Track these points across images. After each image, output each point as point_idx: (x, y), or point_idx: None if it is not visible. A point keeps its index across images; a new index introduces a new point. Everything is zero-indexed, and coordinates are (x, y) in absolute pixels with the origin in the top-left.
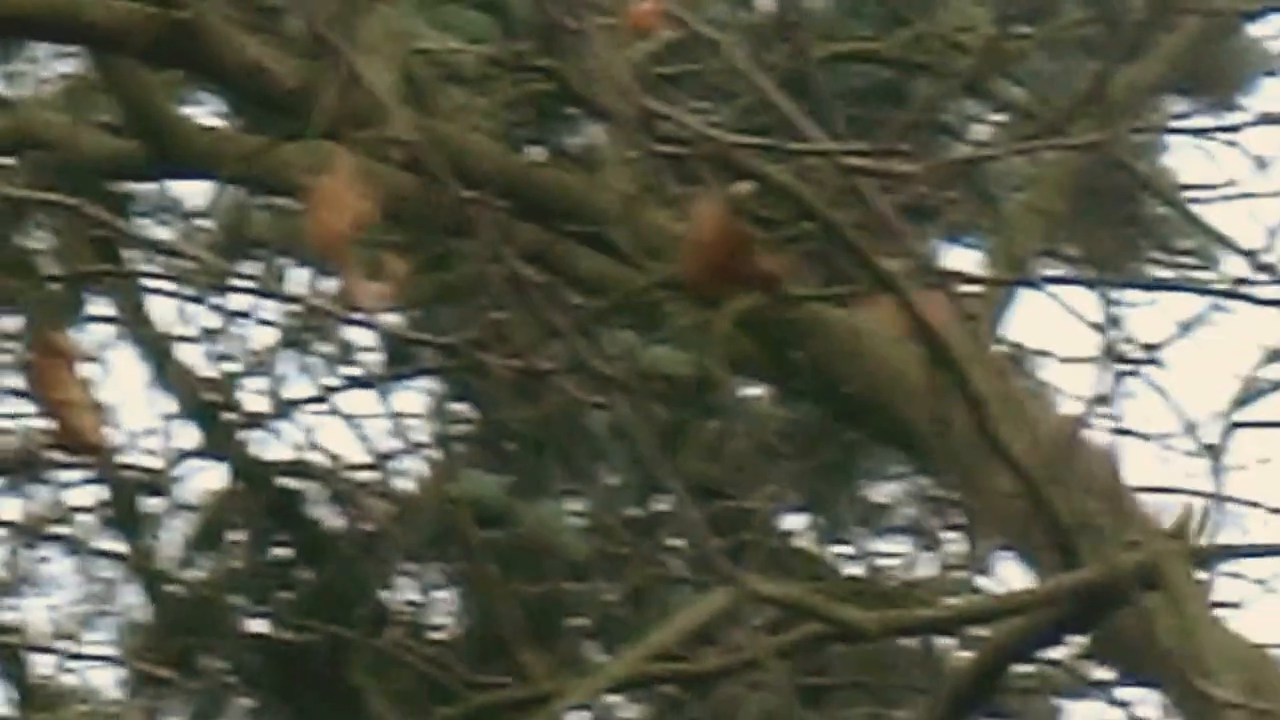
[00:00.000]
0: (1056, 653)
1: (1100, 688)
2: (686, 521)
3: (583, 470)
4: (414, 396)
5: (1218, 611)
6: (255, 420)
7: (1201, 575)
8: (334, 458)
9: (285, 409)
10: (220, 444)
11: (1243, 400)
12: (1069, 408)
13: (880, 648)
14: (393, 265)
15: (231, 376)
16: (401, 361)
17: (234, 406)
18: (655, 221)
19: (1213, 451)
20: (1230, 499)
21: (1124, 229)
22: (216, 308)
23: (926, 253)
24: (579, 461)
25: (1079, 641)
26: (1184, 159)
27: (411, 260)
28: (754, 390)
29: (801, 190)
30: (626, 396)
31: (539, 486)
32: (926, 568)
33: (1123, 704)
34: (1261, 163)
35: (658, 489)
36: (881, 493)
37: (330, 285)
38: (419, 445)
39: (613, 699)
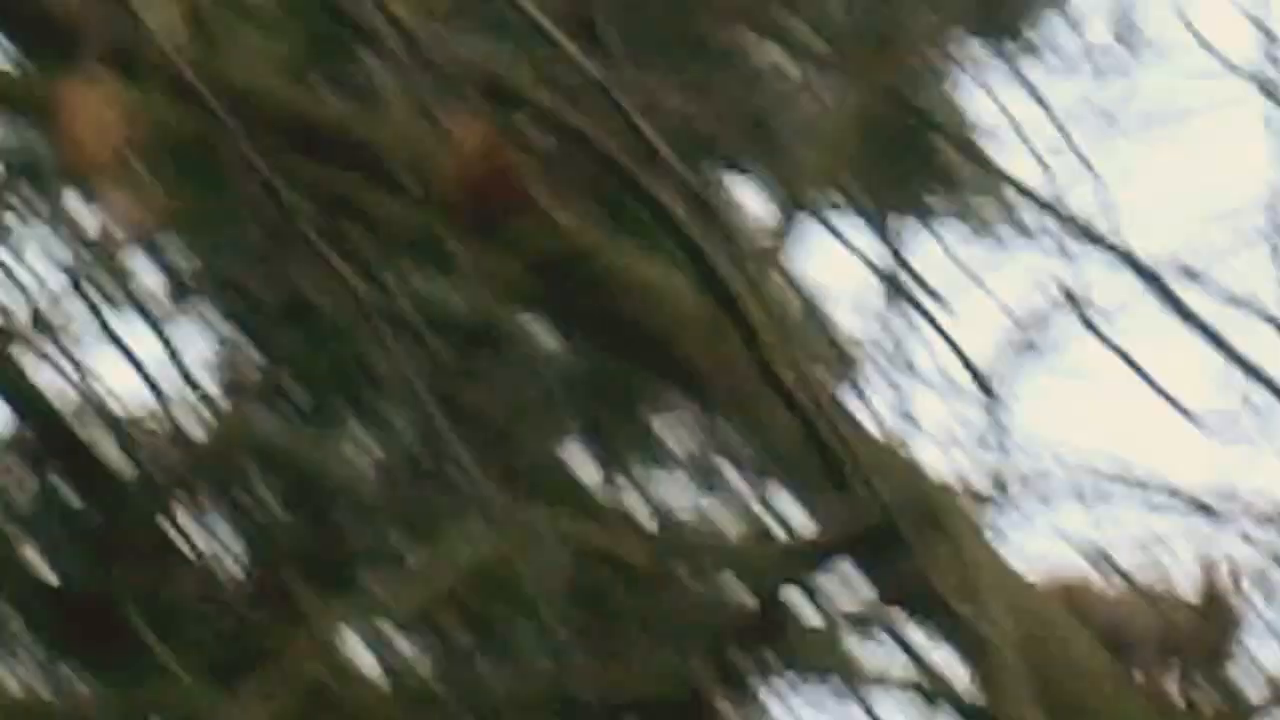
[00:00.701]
0: (848, 598)
1: (891, 632)
2: (459, 459)
3: (369, 410)
4: (201, 337)
5: (995, 548)
6: (39, 358)
7: (979, 513)
8: (119, 399)
9: (69, 347)
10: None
11: (1024, 338)
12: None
13: (666, 590)
14: (150, 189)
15: (13, 312)
16: (184, 299)
17: (15, 342)
18: (432, 154)
19: (992, 389)
20: (1010, 436)
21: (911, 168)
22: None
23: (699, 180)
24: (365, 401)
25: (867, 586)
26: (972, 98)
27: (187, 194)
28: (538, 328)
29: (572, 116)
30: (407, 336)
31: (325, 426)
32: (708, 504)
33: (909, 647)
34: (1045, 103)
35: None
36: (665, 431)
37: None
38: (206, 386)
39: (402, 647)
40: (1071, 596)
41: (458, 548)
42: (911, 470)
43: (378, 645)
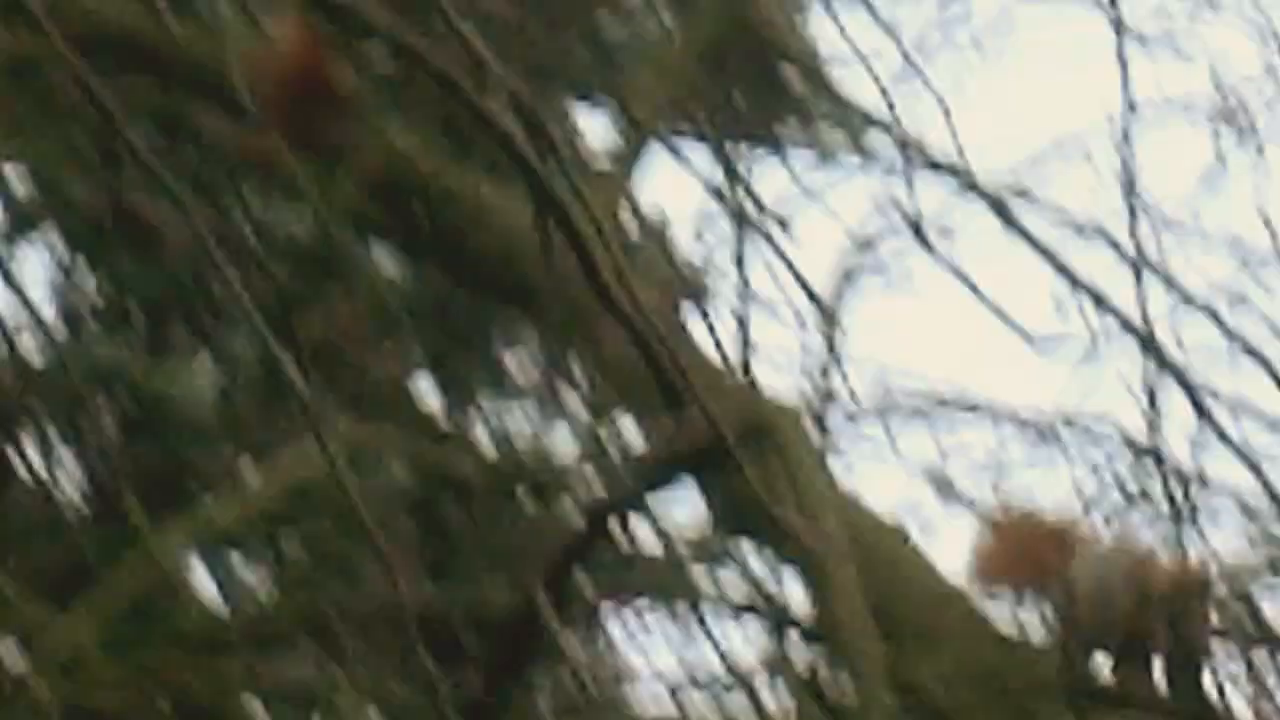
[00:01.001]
0: (687, 523)
1: (730, 558)
2: (296, 385)
3: (208, 334)
4: (40, 262)
5: (832, 472)
6: None
7: (817, 436)
8: None
9: None
10: None
11: (865, 262)
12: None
13: (503, 511)
14: None
15: None
16: (25, 227)
17: None
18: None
19: (832, 313)
20: (849, 360)
21: (755, 93)
22: None
23: (535, 100)
24: (205, 325)
25: (706, 511)
26: (819, 25)
27: (20, 115)
28: (380, 253)
29: (402, 30)
30: (247, 259)
31: (165, 351)
32: (552, 431)
33: (749, 572)
34: (889, 27)
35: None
36: (509, 357)
37: None
38: (44, 312)
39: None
40: (1057, 539)
41: (293, 468)
42: (749, 392)
43: (216, 567)
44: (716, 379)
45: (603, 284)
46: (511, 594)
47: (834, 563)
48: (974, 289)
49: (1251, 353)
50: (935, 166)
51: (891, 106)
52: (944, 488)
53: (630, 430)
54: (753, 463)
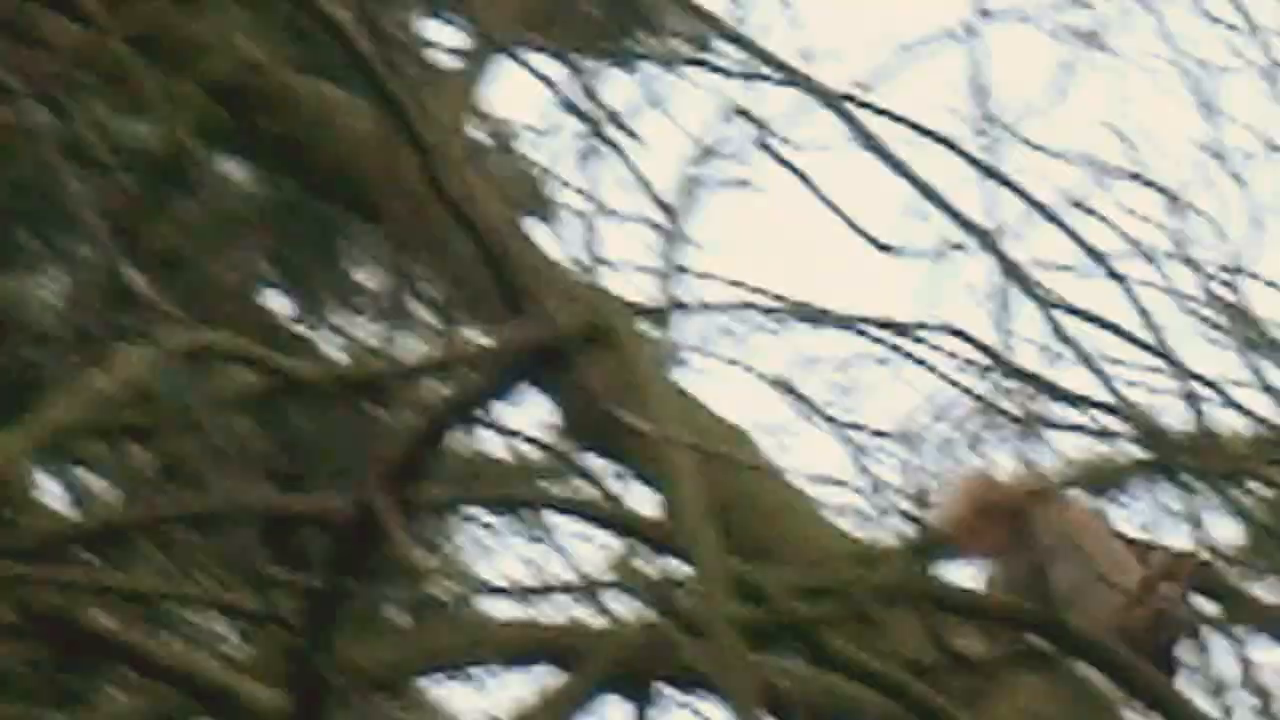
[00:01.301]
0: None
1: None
2: (134, 286)
3: (55, 242)
4: None
5: (674, 377)
6: None
7: (660, 341)
8: None
9: None
10: None
11: (711, 169)
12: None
13: (344, 413)
14: None
15: None
16: None
17: None
18: None
19: (677, 219)
20: (694, 266)
21: (603, 2)
22: None
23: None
24: (51, 233)
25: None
26: None
27: None
28: (228, 163)
29: None
30: (91, 168)
31: (9, 258)
32: (399, 339)
33: (592, 476)
34: None
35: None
36: (359, 269)
37: None
38: None
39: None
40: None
41: (135, 372)
42: (591, 295)
43: (63, 475)
44: (558, 283)
45: (445, 188)
46: (353, 498)
47: (677, 468)
48: (822, 196)
49: (1100, 261)
50: (783, 72)
51: (738, 12)
52: (793, 395)
53: (476, 337)
54: (594, 365)
